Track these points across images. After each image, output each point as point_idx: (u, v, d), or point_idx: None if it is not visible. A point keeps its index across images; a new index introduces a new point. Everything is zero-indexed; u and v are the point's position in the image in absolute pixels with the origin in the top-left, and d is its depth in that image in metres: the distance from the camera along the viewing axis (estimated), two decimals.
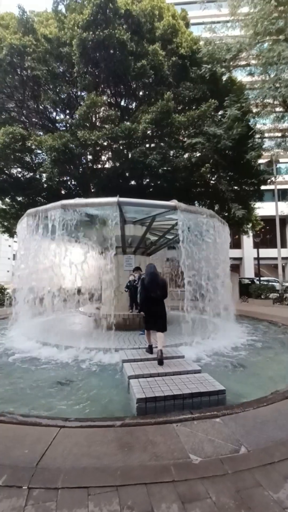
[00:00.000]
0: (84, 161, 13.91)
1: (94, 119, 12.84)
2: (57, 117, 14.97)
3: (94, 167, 14.28)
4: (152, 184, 14.74)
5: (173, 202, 6.31)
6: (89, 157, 13.82)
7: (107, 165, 14.71)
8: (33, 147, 12.06)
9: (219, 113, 13.48)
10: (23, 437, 2.55)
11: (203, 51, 13.25)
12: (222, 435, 2.60)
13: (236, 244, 28.59)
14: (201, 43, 13.90)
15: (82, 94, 13.28)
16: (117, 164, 13.24)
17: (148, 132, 12.44)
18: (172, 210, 6.37)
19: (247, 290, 16.67)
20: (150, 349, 5.00)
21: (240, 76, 15.80)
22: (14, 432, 2.63)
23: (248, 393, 3.79)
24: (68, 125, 13.51)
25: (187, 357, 5.00)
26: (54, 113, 14.87)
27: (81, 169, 13.93)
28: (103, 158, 14.46)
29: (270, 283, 18.87)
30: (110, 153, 13.70)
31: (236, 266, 27.91)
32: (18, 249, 8.23)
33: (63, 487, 1.98)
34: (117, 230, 7.20)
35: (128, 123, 12.09)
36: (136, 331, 6.78)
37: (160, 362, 4.33)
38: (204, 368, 4.50)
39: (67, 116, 14.40)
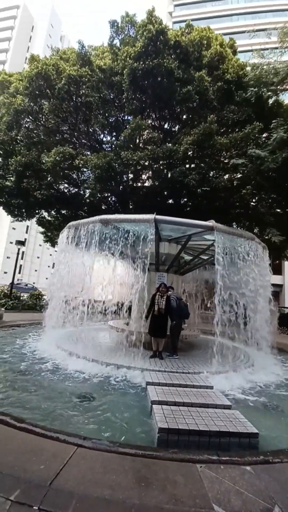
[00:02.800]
0: (125, 179, 14.46)
1: (138, 140, 13.42)
2: (104, 139, 15.98)
3: (134, 185, 14.74)
4: (190, 203, 14.70)
5: (211, 223, 6.15)
6: (130, 175, 14.34)
7: (146, 184, 15.09)
8: (80, 165, 12.94)
9: (264, 135, 13.17)
10: (40, 450, 2.50)
11: (249, 75, 13.28)
12: (253, 488, 2.27)
13: (276, 269, 26.81)
14: (248, 68, 13.97)
15: (129, 118, 14.06)
16: (156, 183, 13.50)
17: (189, 153, 12.57)
18: (209, 230, 6.21)
19: (287, 321, 15.29)
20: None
21: None
22: (32, 443, 2.61)
23: (283, 440, 3.34)
24: (113, 146, 14.30)
25: (216, 388, 4.63)
26: (102, 135, 15.91)
27: (121, 187, 14.49)
28: (143, 176, 14.89)
29: None
30: (150, 172, 14.08)
31: (275, 294, 25.97)
32: (56, 259, 8.65)
33: None
34: (152, 247, 7.21)
35: (169, 144, 12.37)
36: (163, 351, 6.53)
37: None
38: (234, 403, 4.11)
39: (113, 138, 15.30)
